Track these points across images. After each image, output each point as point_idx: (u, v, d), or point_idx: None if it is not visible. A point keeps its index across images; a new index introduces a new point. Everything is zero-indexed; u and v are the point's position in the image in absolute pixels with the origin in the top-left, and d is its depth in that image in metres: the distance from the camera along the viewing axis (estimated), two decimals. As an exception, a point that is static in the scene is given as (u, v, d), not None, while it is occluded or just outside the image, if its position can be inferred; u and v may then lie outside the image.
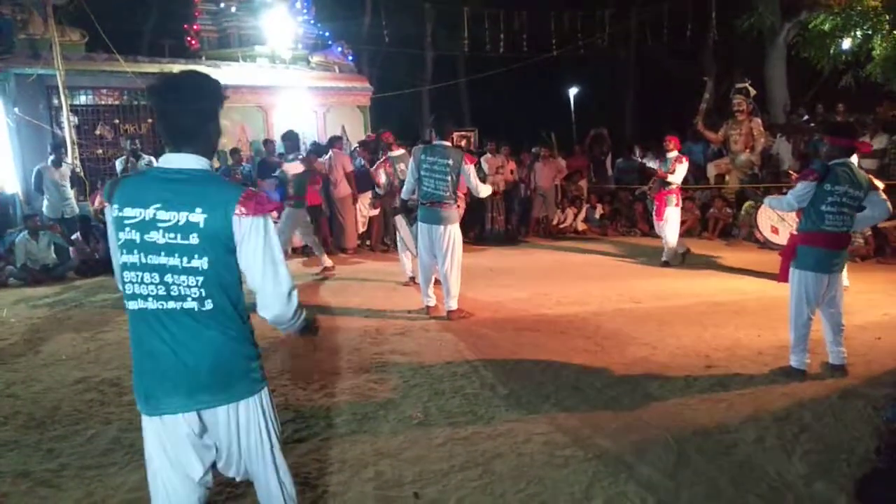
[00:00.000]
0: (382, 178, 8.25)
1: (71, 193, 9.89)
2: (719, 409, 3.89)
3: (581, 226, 12.64)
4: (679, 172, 8.43)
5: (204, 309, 1.90)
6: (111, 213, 1.92)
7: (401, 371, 4.67)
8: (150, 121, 12.08)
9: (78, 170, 10.40)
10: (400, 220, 7.20)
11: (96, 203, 2.13)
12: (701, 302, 6.52)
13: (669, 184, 8.45)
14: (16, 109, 10.34)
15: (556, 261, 9.49)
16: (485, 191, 6.24)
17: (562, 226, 12.68)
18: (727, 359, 4.78)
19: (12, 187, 10.53)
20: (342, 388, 4.36)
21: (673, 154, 8.51)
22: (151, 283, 1.89)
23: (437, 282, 6.37)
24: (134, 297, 1.93)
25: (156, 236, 1.87)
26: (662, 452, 3.33)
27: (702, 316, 5.96)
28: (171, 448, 1.97)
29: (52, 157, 9.61)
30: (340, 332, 5.75)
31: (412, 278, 7.70)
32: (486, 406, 3.99)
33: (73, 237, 9.40)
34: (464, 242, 6.29)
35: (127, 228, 1.89)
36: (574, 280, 7.80)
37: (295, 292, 2.01)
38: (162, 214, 1.86)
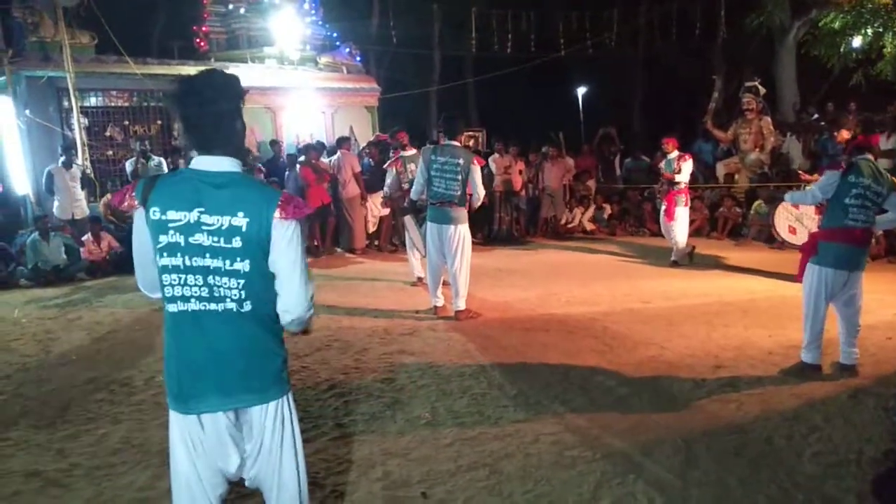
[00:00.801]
0: (389, 178, 8.23)
1: (81, 195, 9.95)
2: (728, 409, 3.87)
3: (589, 226, 12.61)
4: (685, 171, 8.42)
5: (243, 311, 1.93)
6: (148, 215, 1.91)
7: (409, 371, 4.67)
8: (159, 122, 12.14)
9: (88, 171, 10.47)
10: (409, 221, 7.20)
11: (125, 203, 2.15)
12: (710, 302, 6.49)
13: (677, 184, 8.45)
14: (27, 111, 10.41)
15: (564, 261, 9.47)
16: (479, 200, 6.17)
17: (570, 226, 12.65)
18: (736, 359, 4.75)
19: (23, 189, 10.61)
20: (350, 388, 4.37)
21: (674, 154, 8.51)
22: (195, 285, 1.91)
23: (445, 282, 6.37)
24: (175, 299, 1.93)
25: (201, 239, 1.89)
26: (671, 452, 3.31)
27: (711, 316, 5.94)
28: (206, 444, 1.99)
29: (62, 159, 9.67)
30: (349, 331, 5.76)
31: (420, 278, 7.70)
32: (494, 406, 3.99)
33: (84, 238, 9.47)
34: (472, 243, 6.29)
35: (171, 231, 1.89)
36: (582, 280, 7.79)
37: (310, 301, 2.04)
38: (206, 218, 1.88)
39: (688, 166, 8.46)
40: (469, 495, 2.98)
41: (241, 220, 1.88)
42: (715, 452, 3.32)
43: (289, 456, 2.07)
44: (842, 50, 13.40)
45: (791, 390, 4.13)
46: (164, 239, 1.90)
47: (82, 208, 9.94)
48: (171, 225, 1.89)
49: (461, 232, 5.99)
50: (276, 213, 1.90)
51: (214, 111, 1.93)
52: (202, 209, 1.88)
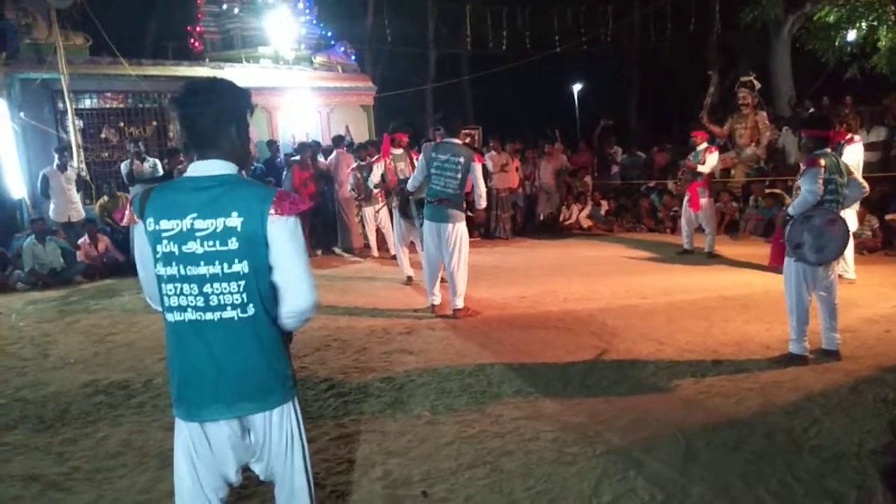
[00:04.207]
0: (378, 171, 8.14)
1: (77, 197, 9.93)
2: (728, 403, 3.87)
3: (586, 222, 12.60)
4: (709, 162, 8.73)
5: (245, 316, 1.92)
6: (145, 226, 1.92)
7: (408, 370, 4.67)
8: (154, 123, 12.10)
9: (84, 173, 10.45)
10: (412, 211, 7.10)
11: (125, 219, 2.15)
12: (708, 297, 6.49)
13: (700, 174, 8.68)
14: (21, 114, 10.36)
15: (561, 258, 9.47)
16: (482, 201, 6.15)
17: (567, 223, 12.65)
18: (735, 353, 4.76)
19: (19, 192, 10.56)
20: (349, 388, 4.37)
21: (702, 146, 8.82)
22: (190, 295, 1.90)
23: (442, 280, 6.36)
24: (172, 308, 1.94)
25: (194, 247, 1.88)
26: (671, 448, 3.31)
27: (709, 311, 5.94)
28: (209, 451, 2.00)
29: (57, 162, 9.64)
30: (347, 331, 5.76)
31: (410, 277, 7.71)
32: (494, 404, 3.99)
33: (80, 241, 9.44)
34: (469, 241, 6.28)
35: (164, 241, 1.89)
36: (580, 277, 7.79)
37: (316, 292, 2.02)
38: (199, 223, 1.88)
39: (712, 158, 8.80)
40: (470, 493, 2.98)
41: (235, 221, 1.87)
42: (715, 447, 3.32)
43: (298, 460, 2.08)
44: (836, 44, 13.41)
45: (791, 384, 4.13)
46: (159, 249, 1.91)
47: (78, 211, 9.91)
48: (164, 235, 1.89)
49: (459, 230, 5.98)
50: (272, 210, 1.89)
51: (208, 113, 1.93)
52: (195, 215, 1.88)
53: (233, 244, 1.88)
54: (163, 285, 1.94)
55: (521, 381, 4.34)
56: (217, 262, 1.88)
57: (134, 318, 6.64)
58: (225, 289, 1.90)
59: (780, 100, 15.08)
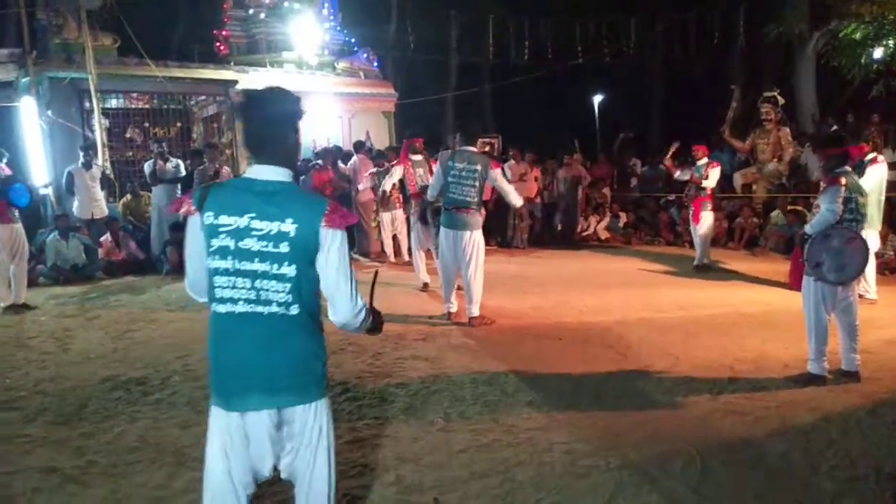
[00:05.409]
0: (395, 177, 8.20)
1: (101, 195, 10.07)
2: (745, 422, 3.84)
3: (604, 234, 12.56)
4: (712, 177, 8.76)
5: (289, 314, 2.03)
6: (202, 220, 2.02)
7: (422, 376, 4.68)
8: (178, 124, 12.28)
9: (108, 172, 10.60)
10: (430, 220, 7.15)
11: (182, 210, 2.25)
12: (726, 312, 6.44)
13: (704, 189, 8.72)
14: (49, 112, 10.55)
15: (578, 269, 9.44)
16: (516, 199, 6.22)
17: (585, 234, 12.61)
18: (753, 371, 4.71)
19: (44, 188, 10.74)
20: (364, 393, 4.38)
21: (703, 161, 8.84)
22: (243, 288, 2.01)
23: (458, 288, 6.37)
24: (224, 300, 2.03)
25: (250, 243, 1.99)
26: (686, 465, 3.29)
27: (727, 327, 5.89)
28: (245, 442, 2.07)
29: (82, 159, 9.80)
30: (363, 336, 5.76)
31: (426, 284, 7.73)
32: (508, 414, 3.98)
33: (102, 238, 9.58)
34: (486, 249, 6.28)
35: (222, 235, 2.00)
36: (596, 289, 7.76)
37: (361, 300, 2.14)
38: (256, 223, 1.99)
39: (715, 173, 8.82)
40: (481, 502, 2.98)
41: (289, 227, 1.98)
42: (730, 465, 3.29)
43: (322, 456, 2.15)
44: (862, 61, 13.27)
45: (808, 404, 4.08)
46: (215, 243, 2.01)
47: (101, 208, 10.05)
48: (222, 229, 1.99)
49: (475, 238, 5.99)
50: (324, 222, 2.00)
51: (269, 123, 2.07)
52: (252, 215, 1.99)
53: (284, 248, 1.99)
54: (215, 277, 2.03)
55: (535, 392, 4.33)
56: (268, 262, 1.99)
57: (153, 316, 6.72)
58: (273, 287, 2.00)
59: (804, 116, 14.94)
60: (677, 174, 9.43)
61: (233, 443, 2.06)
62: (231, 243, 1.99)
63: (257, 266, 1.99)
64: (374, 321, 2.27)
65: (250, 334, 2.02)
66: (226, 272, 2.00)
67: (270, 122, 2.07)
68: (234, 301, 2.02)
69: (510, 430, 3.75)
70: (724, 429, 3.75)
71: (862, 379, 4.47)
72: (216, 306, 2.05)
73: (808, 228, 4.49)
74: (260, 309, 2.01)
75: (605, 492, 3.04)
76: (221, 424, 2.07)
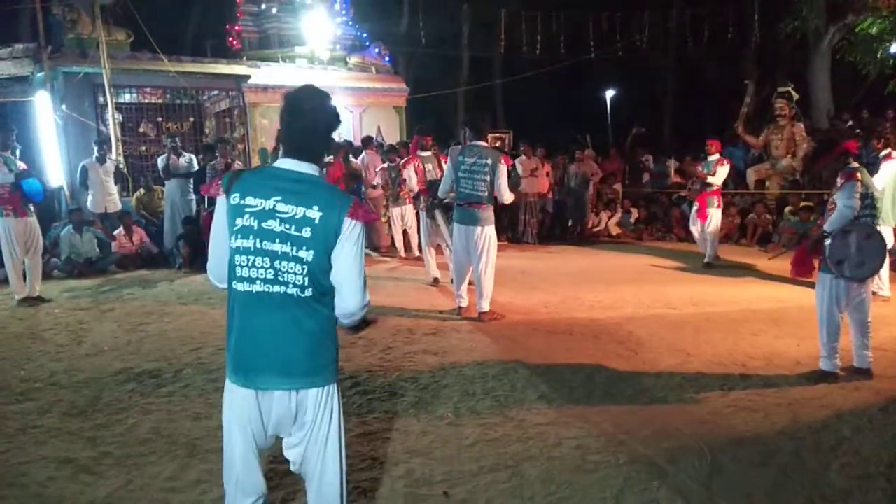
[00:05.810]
0: (412, 175, 8.16)
1: (115, 189, 10.17)
2: (755, 418, 3.82)
3: (615, 230, 12.52)
4: (720, 174, 8.67)
5: (304, 296, 2.07)
6: (229, 201, 2.09)
7: (432, 371, 4.69)
8: (191, 119, 12.33)
9: (121, 166, 10.68)
10: (438, 216, 7.15)
11: (211, 191, 2.40)
12: (738, 309, 6.41)
13: (710, 185, 8.63)
14: (63, 106, 10.64)
15: (589, 265, 9.42)
16: (508, 197, 6.17)
17: (596, 229, 12.58)
18: (764, 367, 4.69)
19: (58, 182, 10.85)
20: (374, 386, 4.40)
21: (714, 157, 8.77)
22: (262, 267, 2.06)
23: (469, 283, 6.37)
24: (242, 279, 2.09)
25: (273, 224, 2.05)
26: (696, 461, 3.29)
27: (738, 323, 5.87)
28: (259, 418, 2.12)
29: (96, 154, 9.89)
30: (373, 329, 5.76)
31: (436, 279, 7.73)
32: (517, 408, 3.99)
33: (115, 232, 9.66)
34: (497, 245, 6.28)
35: (246, 215, 2.06)
36: (608, 284, 7.74)
37: (365, 295, 2.19)
38: (281, 206, 2.05)
39: (723, 170, 8.74)
40: (490, 496, 2.99)
41: (315, 213, 2.04)
42: (741, 462, 3.28)
43: (333, 446, 2.18)
44: (878, 56, 13.14)
45: (819, 401, 4.06)
46: (239, 222, 2.07)
47: (115, 202, 10.15)
48: (247, 210, 2.06)
49: (487, 233, 5.98)
50: (348, 214, 2.06)
51: (321, 121, 2.15)
52: (279, 198, 2.05)
53: (306, 233, 2.04)
54: (236, 257, 2.08)
55: (545, 387, 4.33)
56: (288, 244, 2.04)
57: (166, 309, 6.77)
58: (290, 268, 2.05)
59: (818, 112, 14.80)
60: (700, 168, 9.23)
61: (250, 419, 2.11)
62: (255, 223, 2.04)
63: (278, 247, 2.04)
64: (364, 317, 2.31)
65: (267, 314, 2.07)
66: (247, 251, 2.05)
67: (315, 124, 2.14)
68: (252, 280, 2.06)
69: (520, 424, 3.75)
70: (735, 425, 3.74)
71: (874, 376, 4.44)
72: (235, 284, 2.10)
73: (826, 226, 4.45)
74: (277, 289, 2.05)
75: (614, 487, 3.05)
76: (238, 400, 2.12)
